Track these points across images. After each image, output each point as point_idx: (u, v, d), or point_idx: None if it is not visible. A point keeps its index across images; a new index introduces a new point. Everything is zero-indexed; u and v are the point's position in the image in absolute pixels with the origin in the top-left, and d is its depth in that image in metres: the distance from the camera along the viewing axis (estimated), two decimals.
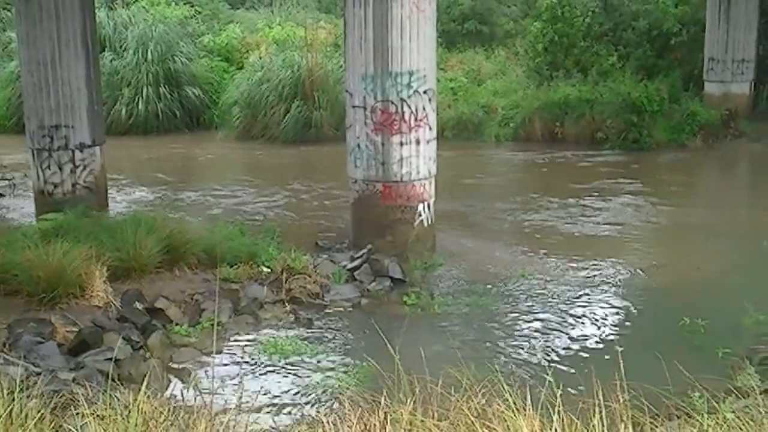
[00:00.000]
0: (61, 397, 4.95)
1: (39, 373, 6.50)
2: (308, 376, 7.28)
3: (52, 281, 8.16)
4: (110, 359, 6.79)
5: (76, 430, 3.75)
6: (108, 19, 21.31)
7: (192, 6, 24.69)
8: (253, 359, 7.67)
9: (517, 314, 8.78)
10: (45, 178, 11.94)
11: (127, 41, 20.60)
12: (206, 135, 19.77)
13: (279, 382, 7.21)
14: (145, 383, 4.17)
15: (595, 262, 10.24)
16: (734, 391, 5.63)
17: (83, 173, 12.03)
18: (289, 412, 6.57)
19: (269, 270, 9.42)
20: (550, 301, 9.08)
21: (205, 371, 7.25)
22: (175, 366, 7.56)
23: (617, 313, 8.82)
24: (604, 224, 12.09)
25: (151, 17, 21.63)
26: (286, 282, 9.18)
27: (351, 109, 10.33)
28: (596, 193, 13.80)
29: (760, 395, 4.80)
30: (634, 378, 4.12)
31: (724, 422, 3.93)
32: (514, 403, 3.64)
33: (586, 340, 8.09)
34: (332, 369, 7.43)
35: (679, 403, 4.59)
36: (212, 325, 7.93)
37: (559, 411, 3.60)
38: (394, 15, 9.84)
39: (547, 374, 4.08)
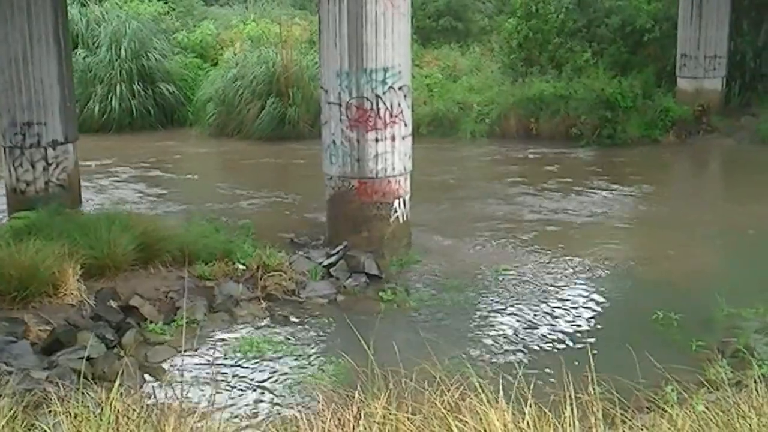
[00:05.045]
0: (33, 395, 4.92)
1: (11, 372, 6.45)
2: (283, 373, 7.27)
3: (25, 280, 8.09)
4: (83, 358, 6.76)
5: (49, 428, 3.73)
6: (80, 16, 21.13)
7: (166, 2, 24.52)
8: (228, 356, 7.66)
9: (492, 309, 8.83)
10: (17, 175, 11.84)
11: (100, 38, 20.40)
12: (180, 132, 19.66)
13: (254, 378, 7.20)
14: (118, 381, 4.16)
15: (570, 258, 10.30)
16: (706, 383, 5.69)
17: (56, 171, 11.95)
18: (264, 409, 6.57)
19: (244, 267, 9.39)
20: (524, 296, 9.13)
21: (179, 369, 7.22)
22: (150, 364, 7.52)
23: (591, 307, 8.88)
24: (578, 220, 12.16)
25: (124, 13, 21.43)
26: (261, 279, 9.17)
27: (326, 106, 10.32)
28: (571, 189, 13.88)
29: (731, 388, 4.84)
30: (607, 371, 4.16)
31: (696, 414, 3.97)
32: (487, 397, 3.66)
33: (560, 333, 8.14)
34: (307, 365, 7.43)
35: (650, 395, 4.63)
36: (187, 323, 7.92)
37: (531, 404, 3.62)
38: (369, 11, 9.84)
39: (520, 368, 4.10)
